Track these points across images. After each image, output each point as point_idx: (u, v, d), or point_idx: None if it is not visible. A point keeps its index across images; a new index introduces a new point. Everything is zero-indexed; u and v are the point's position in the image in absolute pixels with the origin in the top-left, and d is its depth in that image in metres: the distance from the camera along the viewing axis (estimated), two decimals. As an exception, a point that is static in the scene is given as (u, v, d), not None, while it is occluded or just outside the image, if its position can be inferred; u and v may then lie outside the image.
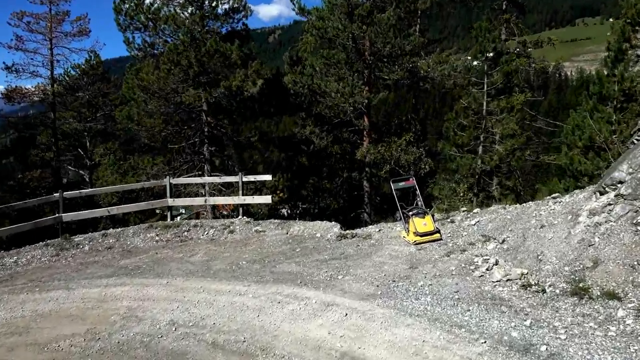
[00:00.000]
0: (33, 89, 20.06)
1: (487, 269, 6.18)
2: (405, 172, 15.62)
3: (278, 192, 16.23)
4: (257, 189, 15.69)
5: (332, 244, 9.18)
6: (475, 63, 17.07)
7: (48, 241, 10.67)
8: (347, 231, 10.09)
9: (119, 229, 11.73)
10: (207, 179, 13.49)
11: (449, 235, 8.30)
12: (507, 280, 5.72)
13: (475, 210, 9.12)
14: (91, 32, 20.91)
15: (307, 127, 17.50)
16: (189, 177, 15.70)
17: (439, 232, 8.23)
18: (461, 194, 14.38)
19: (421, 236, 8.03)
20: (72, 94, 20.58)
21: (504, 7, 21.18)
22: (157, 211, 16.61)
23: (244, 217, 12.70)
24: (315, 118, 18.25)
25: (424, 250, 7.81)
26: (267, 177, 12.46)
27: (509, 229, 7.64)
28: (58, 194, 11.88)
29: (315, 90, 16.33)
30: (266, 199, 12.53)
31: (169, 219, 13.31)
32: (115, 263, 9.26)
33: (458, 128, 15.82)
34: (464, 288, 5.77)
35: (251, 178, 12.82)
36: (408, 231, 8.28)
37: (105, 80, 21.69)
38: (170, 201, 13.08)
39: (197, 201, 13.31)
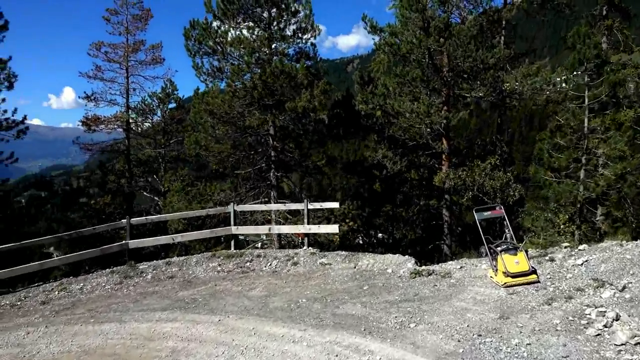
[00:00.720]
0: (110, 117, 21.54)
1: (605, 326, 4.96)
2: (490, 200, 14.22)
3: (347, 220, 15.57)
4: (326, 217, 15.15)
5: (405, 282, 8.28)
6: (573, 75, 15.31)
7: (114, 268, 10.98)
8: (423, 267, 9.13)
9: (183, 258, 11.62)
10: (272, 206, 13.24)
11: (548, 277, 7.06)
12: (638, 344, 4.48)
13: (581, 247, 7.75)
14: (165, 60, 22.16)
15: (380, 151, 16.81)
16: (254, 204, 15.61)
17: (535, 272, 7.04)
18: (561, 226, 12.59)
19: (513, 277, 6.89)
20: (147, 121, 21.85)
21: (605, 12, 19.19)
22: (222, 239, 16.69)
23: (310, 247, 12.22)
24: (389, 141, 17.51)
25: (517, 295, 6.65)
26: (334, 205, 11.85)
27: (631, 272, 6.28)
28: (125, 220, 12.20)
29: (388, 111, 15.69)
30: (333, 228, 11.91)
31: (232, 248, 13.16)
32: (173, 294, 9.13)
33: (554, 149, 14.12)
34: (575, 352, 4.62)
35: (317, 206, 12.31)
36: (496, 270, 7.18)
37: (179, 107, 22.78)
38: (234, 229, 12.95)
39: (262, 229, 13.07)
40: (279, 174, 16.15)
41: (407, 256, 10.50)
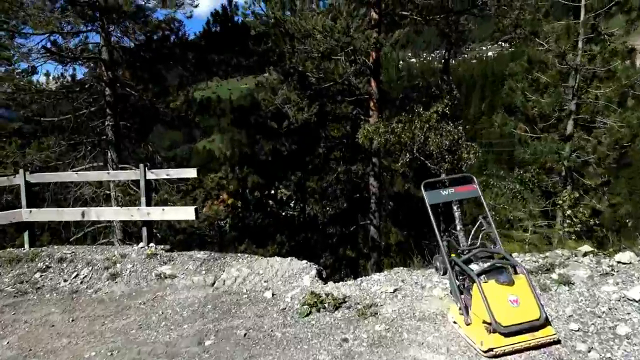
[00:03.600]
0: None
1: None
2: (435, 165, 11.11)
3: (225, 196, 11.71)
4: (189, 191, 11.21)
5: (289, 325, 4.79)
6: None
7: None
8: (329, 287, 5.74)
9: None
10: (90, 175, 8.98)
11: (575, 328, 3.84)
12: None
13: (619, 257, 4.64)
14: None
15: (280, 92, 12.91)
16: (78, 171, 11.19)
17: (549, 323, 3.78)
18: (566, 209, 9.52)
19: (507, 335, 3.59)
20: None
21: None
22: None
23: (152, 244, 8.47)
24: (292, 78, 13.67)
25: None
26: (190, 173, 8.06)
27: None
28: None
29: (290, 31, 11.79)
30: (186, 212, 8.11)
31: (26, 245, 8.96)
32: None
33: (531, 89, 11.06)
34: None
35: (162, 174, 8.39)
36: (468, 312, 3.87)
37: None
38: (26, 213, 8.76)
39: (68, 215, 8.88)
40: (123, 124, 11.80)
41: (304, 262, 7.14)
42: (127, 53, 11.41)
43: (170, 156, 12.86)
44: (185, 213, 8.15)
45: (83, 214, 8.88)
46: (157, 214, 8.37)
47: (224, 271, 7.20)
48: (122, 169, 11.33)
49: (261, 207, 14.80)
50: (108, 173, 8.71)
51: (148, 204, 8.54)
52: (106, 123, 11.45)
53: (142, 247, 8.43)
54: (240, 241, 13.30)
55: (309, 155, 16.42)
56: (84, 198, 11.07)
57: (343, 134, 16.82)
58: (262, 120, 14.38)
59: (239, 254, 7.74)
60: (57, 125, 11.63)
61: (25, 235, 9.12)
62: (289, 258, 7.15)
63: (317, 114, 12.85)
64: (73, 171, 12.06)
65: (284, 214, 16.62)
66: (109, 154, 11.54)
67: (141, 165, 8.43)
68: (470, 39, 15.92)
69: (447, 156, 10.70)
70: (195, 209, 7.82)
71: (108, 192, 11.60)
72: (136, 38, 11.26)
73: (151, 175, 8.46)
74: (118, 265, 7.78)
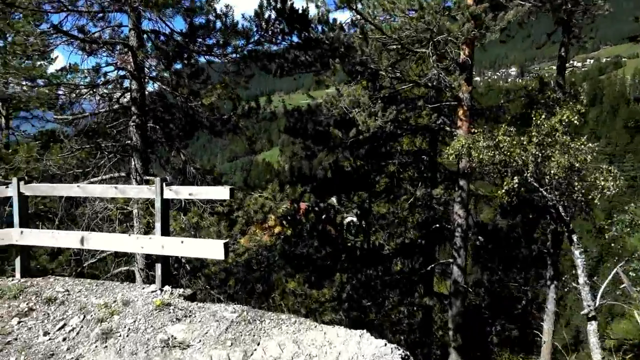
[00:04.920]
0: None
1: None
2: (554, 195, 8.55)
3: (272, 221, 9.53)
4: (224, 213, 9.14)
5: None
6: None
7: None
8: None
9: None
10: (94, 190, 7.15)
11: None
12: None
13: None
14: None
15: (345, 90, 10.72)
16: (94, 183, 9.50)
17: None
18: None
19: None
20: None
21: None
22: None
23: (167, 287, 6.66)
24: (362, 76, 11.52)
25: None
26: (220, 193, 6.10)
27: None
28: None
29: (363, 14, 9.71)
30: (212, 248, 6.07)
31: (17, 273, 7.26)
32: None
33: None
34: None
35: (184, 193, 6.48)
36: None
37: None
38: (17, 235, 7.21)
39: (64, 240, 7.10)
40: (151, 126, 10.05)
41: (382, 343, 4.95)
42: (159, 40, 9.72)
43: (208, 168, 11.03)
44: (211, 249, 6.11)
45: (82, 240, 7.05)
46: (175, 247, 6.39)
47: (258, 344, 5.20)
48: (147, 182, 9.56)
49: (317, 234, 12.60)
50: (115, 188, 6.86)
51: (164, 233, 6.60)
52: (130, 124, 9.75)
53: (153, 291, 6.57)
54: (288, 277, 11.17)
55: (378, 173, 14.17)
56: (101, 216, 9.37)
57: (420, 149, 14.51)
58: (323, 127, 12.27)
59: (283, 317, 5.61)
60: (85, 127, 10.09)
61: (17, 261, 7.46)
62: (358, 332, 4.96)
63: (393, 121, 10.62)
64: (93, 183, 10.47)
65: (345, 244, 14.35)
66: (133, 162, 9.82)
67: (157, 180, 6.52)
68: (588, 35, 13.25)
69: (576, 182, 8.12)
70: (225, 245, 5.77)
71: (129, 208, 9.87)
72: (172, 22, 9.59)
73: (170, 193, 6.52)
74: (115, 318, 6.01)
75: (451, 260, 12.72)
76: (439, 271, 15.34)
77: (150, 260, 10.41)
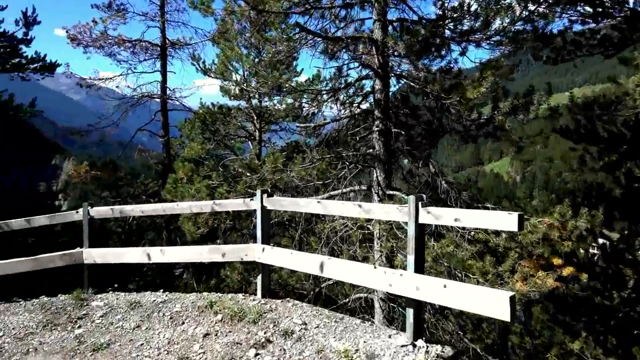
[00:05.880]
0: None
1: None
2: None
3: (558, 260, 6.97)
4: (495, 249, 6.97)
5: None
6: None
7: (49, 299, 7.26)
8: None
9: (165, 296, 7.09)
10: (330, 206, 5.93)
11: None
12: None
13: None
14: None
15: None
16: (341, 196, 8.49)
17: None
18: None
19: None
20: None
21: None
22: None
23: (421, 342, 5.06)
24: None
25: None
26: (505, 222, 4.18)
27: None
28: (82, 209, 7.94)
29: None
30: (490, 303, 4.17)
31: (258, 293, 6.82)
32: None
33: None
34: None
35: (447, 217, 4.78)
36: None
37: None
38: (259, 251, 6.51)
39: (304, 264, 5.99)
40: (394, 132, 8.62)
41: None
42: (406, 29, 8.25)
43: (460, 181, 9.15)
44: (489, 303, 4.20)
45: (321, 267, 5.85)
46: (434, 292, 4.70)
47: None
48: (390, 197, 8.17)
49: (611, 276, 9.36)
50: (359, 206, 5.45)
51: (419, 269, 5.00)
52: (374, 128, 8.50)
53: (402, 346, 5.05)
54: (570, 334, 8.34)
55: None
56: (341, 235, 8.29)
57: None
58: (620, 128, 9.12)
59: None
60: (325, 136, 9.31)
61: (259, 279, 6.93)
62: None
63: None
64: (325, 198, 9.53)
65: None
66: (375, 174, 8.55)
67: (411, 199, 4.97)
68: None
69: None
70: (512, 300, 3.86)
71: (370, 228, 8.61)
72: (419, 8, 8.05)
73: (427, 217, 4.90)
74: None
75: None
76: None
77: (391, 303, 9.03)
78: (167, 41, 18.54)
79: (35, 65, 17.99)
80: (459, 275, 6.76)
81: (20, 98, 19.03)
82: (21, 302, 7.15)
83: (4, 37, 17.04)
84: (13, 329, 6.12)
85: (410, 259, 5.02)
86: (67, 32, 17.27)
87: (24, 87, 20.03)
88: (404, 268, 5.24)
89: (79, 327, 6.09)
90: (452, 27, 8.65)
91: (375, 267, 5.40)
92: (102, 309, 6.61)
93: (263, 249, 6.68)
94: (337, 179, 9.58)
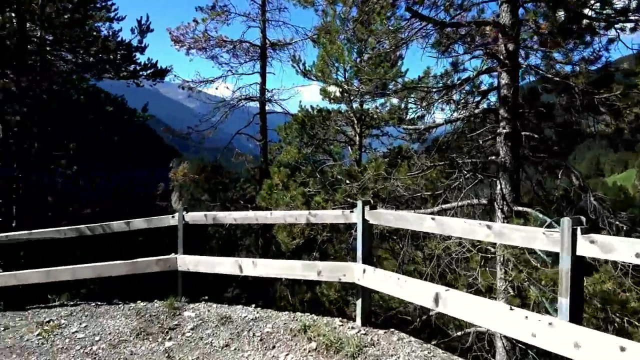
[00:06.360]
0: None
1: None
2: None
3: None
4: None
5: None
6: None
7: (144, 304, 7.19)
8: None
9: (256, 312, 6.62)
10: (452, 225, 4.73)
11: None
12: None
13: None
14: None
15: None
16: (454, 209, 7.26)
17: None
18: None
19: None
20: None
21: None
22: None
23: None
24: None
25: None
26: None
27: None
28: (178, 214, 7.71)
29: None
30: None
31: (357, 317, 5.93)
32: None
33: None
34: None
35: (623, 250, 3.37)
36: None
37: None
38: (359, 272, 5.77)
39: (414, 295, 4.86)
40: (524, 135, 7.17)
41: None
42: (541, 9, 6.80)
43: (608, 196, 7.50)
44: None
45: (436, 299, 4.70)
46: (605, 354, 3.33)
47: None
48: (518, 214, 6.75)
49: None
50: (488, 227, 4.24)
51: (574, 318, 3.73)
52: (501, 130, 7.11)
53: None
54: None
55: None
56: (456, 258, 6.99)
57: None
58: None
59: None
60: (436, 140, 8.06)
61: (358, 304, 6.01)
62: None
63: None
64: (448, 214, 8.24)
65: None
66: (499, 185, 7.15)
67: (565, 222, 3.70)
68: None
69: None
70: None
71: (492, 249, 7.22)
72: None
73: (590, 249, 3.61)
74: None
75: None
76: None
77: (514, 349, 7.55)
78: (267, 41, 18.29)
79: (148, 72, 18.46)
80: (618, 322, 5.22)
81: (139, 105, 19.97)
82: (120, 305, 7.13)
83: (122, 45, 17.57)
84: (109, 334, 6.06)
85: (564, 302, 3.69)
86: (170, 33, 17.52)
87: (144, 95, 20.96)
88: (545, 310, 3.93)
89: (170, 339, 5.78)
90: (597, 9, 7.09)
91: (511, 309, 4.13)
92: (193, 321, 6.27)
93: (364, 270, 5.65)
94: (450, 190, 8.30)
